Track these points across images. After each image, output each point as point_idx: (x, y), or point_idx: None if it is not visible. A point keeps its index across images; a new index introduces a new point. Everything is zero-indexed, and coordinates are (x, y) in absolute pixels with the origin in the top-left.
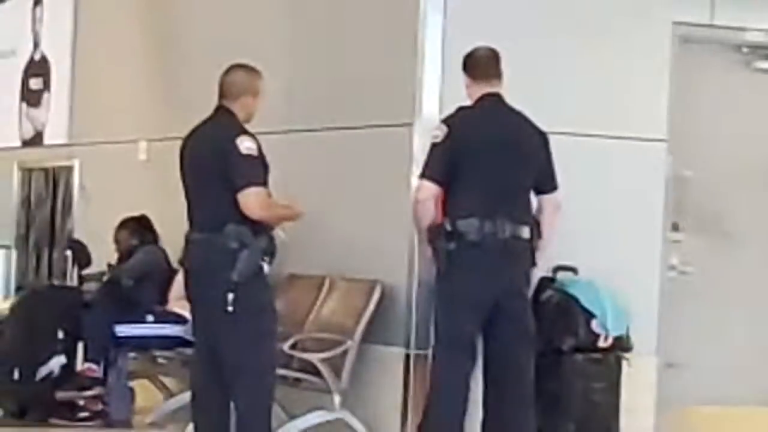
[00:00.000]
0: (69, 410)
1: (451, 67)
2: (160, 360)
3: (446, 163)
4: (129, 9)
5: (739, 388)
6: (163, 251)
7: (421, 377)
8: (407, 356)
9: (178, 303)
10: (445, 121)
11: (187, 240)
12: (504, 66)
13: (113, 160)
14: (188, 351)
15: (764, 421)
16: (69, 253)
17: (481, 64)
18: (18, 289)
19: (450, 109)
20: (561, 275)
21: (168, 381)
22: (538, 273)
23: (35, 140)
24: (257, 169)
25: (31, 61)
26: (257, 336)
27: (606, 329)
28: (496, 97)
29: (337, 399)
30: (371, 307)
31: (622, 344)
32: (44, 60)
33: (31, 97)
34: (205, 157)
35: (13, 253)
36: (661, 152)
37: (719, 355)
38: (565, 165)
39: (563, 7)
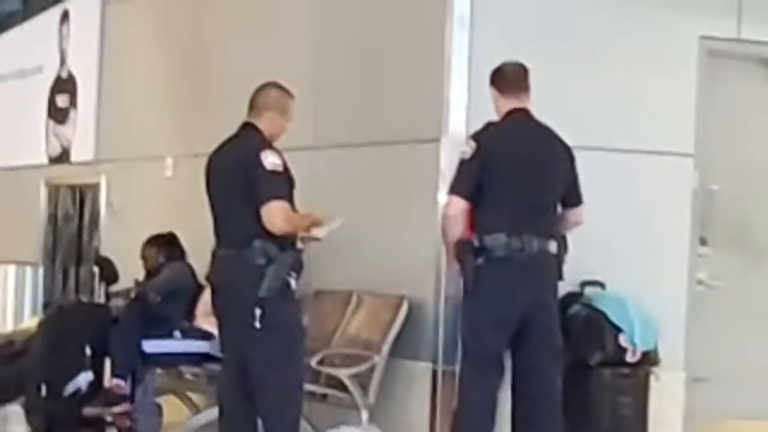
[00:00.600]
0: (96, 426)
1: (478, 83)
2: (187, 376)
3: (475, 179)
4: (155, 26)
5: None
6: (190, 267)
7: (448, 393)
8: (434, 372)
9: (205, 319)
10: (474, 136)
11: (214, 256)
12: (531, 81)
13: (140, 177)
14: (215, 367)
15: None
16: (96, 269)
17: (509, 79)
18: (45, 305)
19: (477, 125)
20: (589, 290)
21: (195, 397)
22: (565, 287)
23: (62, 157)
24: (281, 184)
25: (58, 78)
26: (284, 351)
27: (634, 344)
28: (524, 112)
29: (364, 414)
30: (398, 322)
31: (650, 359)
32: (71, 77)
33: (57, 115)
34: (231, 174)
35: (41, 270)
36: (688, 166)
37: (747, 369)
38: (592, 180)
39: (590, 22)
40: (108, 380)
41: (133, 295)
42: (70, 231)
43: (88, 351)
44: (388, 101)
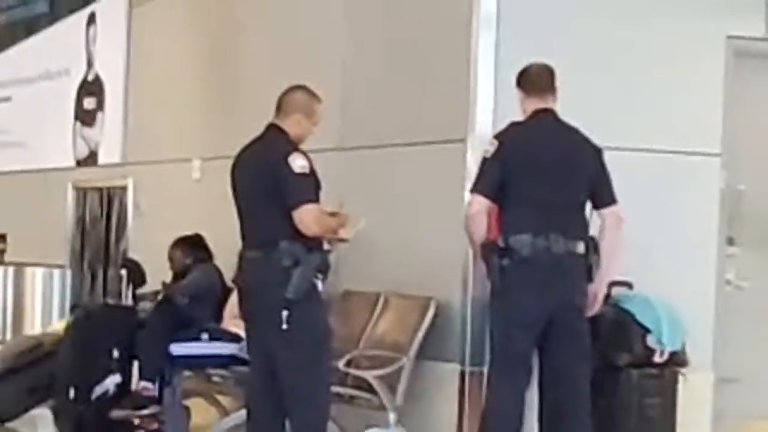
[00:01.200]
0: (124, 429)
1: (504, 84)
2: (215, 378)
3: (496, 178)
4: (182, 28)
5: None
6: (218, 269)
7: (476, 394)
8: (462, 373)
9: (232, 321)
10: (497, 136)
11: (241, 258)
12: (558, 82)
13: (167, 179)
14: (243, 369)
15: None
16: (123, 272)
17: (535, 80)
18: (73, 308)
19: (503, 125)
20: (616, 290)
21: (223, 399)
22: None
23: (89, 160)
24: (310, 187)
25: (85, 80)
26: (312, 353)
27: (662, 344)
28: (550, 113)
29: (392, 416)
30: (426, 323)
31: (678, 359)
32: (98, 79)
33: (85, 117)
34: (257, 176)
35: (68, 273)
36: (716, 166)
37: None
38: (619, 180)
39: (617, 23)
40: (136, 383)
41: (160, 297)
42: (98, 233)
43: (115, 354)
44: (414, 102)
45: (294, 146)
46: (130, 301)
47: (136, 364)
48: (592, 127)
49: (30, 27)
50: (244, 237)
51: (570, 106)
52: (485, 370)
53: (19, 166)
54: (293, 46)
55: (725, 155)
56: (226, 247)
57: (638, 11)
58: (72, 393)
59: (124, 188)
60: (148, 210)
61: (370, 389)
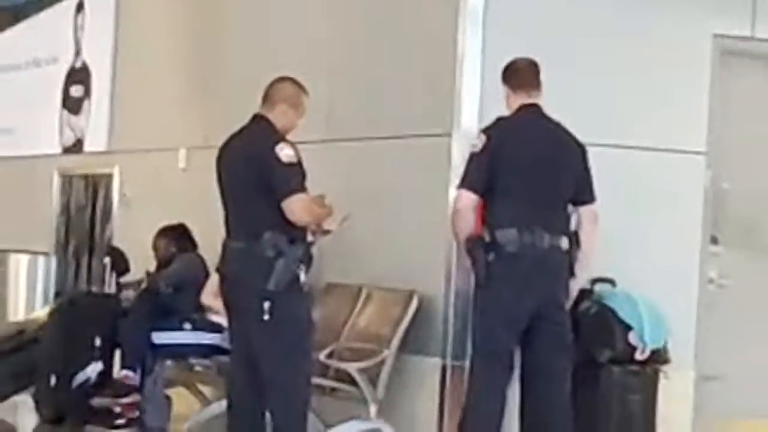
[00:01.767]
0: (105, 417)
1: (490, 78)
2: (196, 368)
3: (485, 173)
4: (170, 18)
5: None
6: (202, 259)
7: (457, 388)
8: (444, 367)
9: (211, 300)
10: (485, 131)
11: (224, 248)
12: (543, 78)
13: (153, 168)
14: (225, 359)
15: None
16: (108, 260)
17: (520, 75)
18: (56, 295)
19: (489, 120)
20: (599, 287)
21: (205, 389)
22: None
23: (75, 147)
24: (298, 176)
25: (72, 68)
26: (293, 345)
27: (643, 341)
28: (535, 108)
29: (373, 409)
30: (408, 317)
31: (659, 357)
32: (85, 67)
33: (71, 105)
34: (243, 166)
35: (53, 260)
36: (700, 165)
37: (757, 367)
38: (604, 177)
39: (603, 20)
40: (117, 371)
41: (143, 286)
42: (83, 221)
43: (97, 342)
44: (400, 95)
45: (280, 136)
46: (113, 290)
47: (118, 353)
48: (577, 124)
49: (18, 14)
50: (228, 227)
51: (554, 103)
52: (467, 364)
53: (5, 152)
54: (281, 38)
55: (710, 154)
56: (211, 237)
57: (624, 9)
58: (53, 380)
59: (109, 176)
60: (134, 199)
61: (352, 381)
